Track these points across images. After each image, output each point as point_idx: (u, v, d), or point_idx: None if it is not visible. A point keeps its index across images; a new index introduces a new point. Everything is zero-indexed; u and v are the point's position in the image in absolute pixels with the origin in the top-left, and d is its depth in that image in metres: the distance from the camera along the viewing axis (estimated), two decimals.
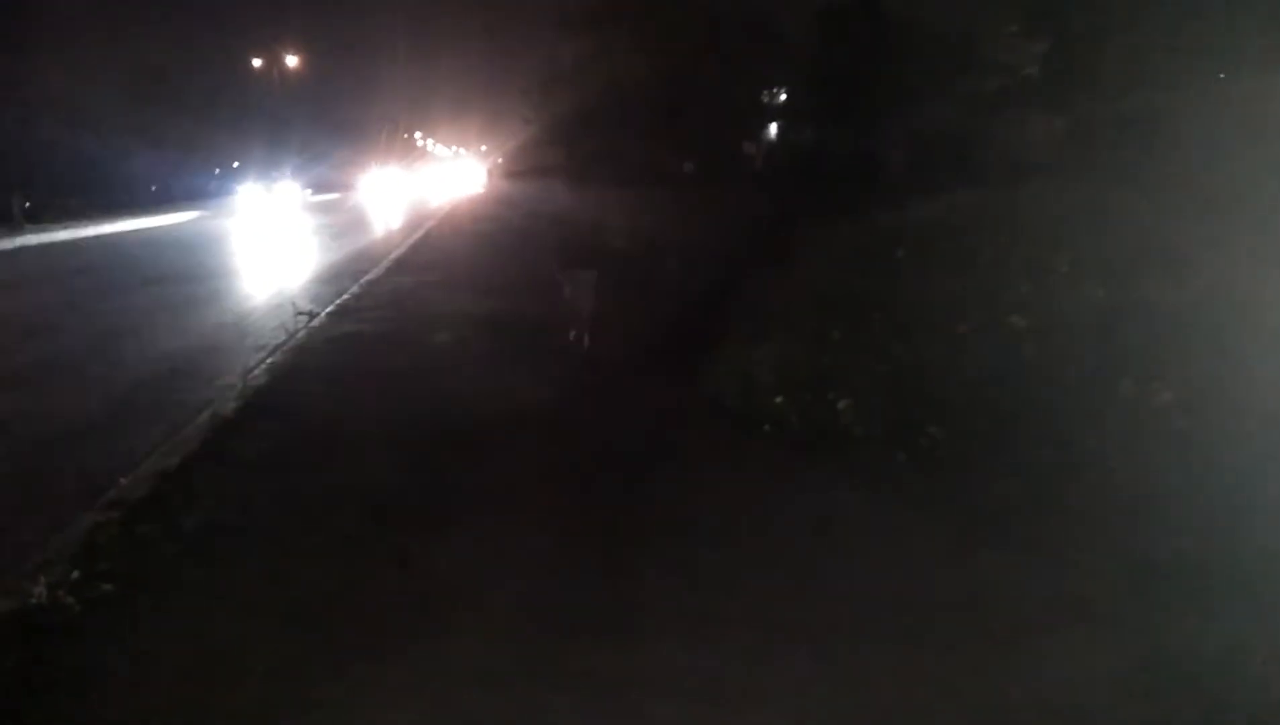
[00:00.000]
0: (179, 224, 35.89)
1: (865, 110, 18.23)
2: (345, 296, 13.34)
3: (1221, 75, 12.15)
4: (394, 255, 19.21)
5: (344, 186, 61.02)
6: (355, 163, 63.60)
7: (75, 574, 4.45)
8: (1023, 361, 5.81)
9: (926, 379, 6.03)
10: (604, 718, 3.28)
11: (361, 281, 15.01)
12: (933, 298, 6.75)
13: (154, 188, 52.33)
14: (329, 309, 12.37)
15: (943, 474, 5.29)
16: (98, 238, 29.63)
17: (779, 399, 6.54)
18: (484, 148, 48.29)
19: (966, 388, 5.80)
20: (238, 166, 57.79)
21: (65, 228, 33.16)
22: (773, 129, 27.97)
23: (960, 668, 3.51)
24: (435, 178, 56.29)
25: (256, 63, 59.82)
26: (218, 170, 57.79)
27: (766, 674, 3.52)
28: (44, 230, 32.38)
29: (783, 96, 27.08)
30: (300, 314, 11.47)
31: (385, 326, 10.85)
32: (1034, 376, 5.64)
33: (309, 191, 53.87)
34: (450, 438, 6.50)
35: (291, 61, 60.89)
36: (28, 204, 37.48)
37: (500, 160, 44.15)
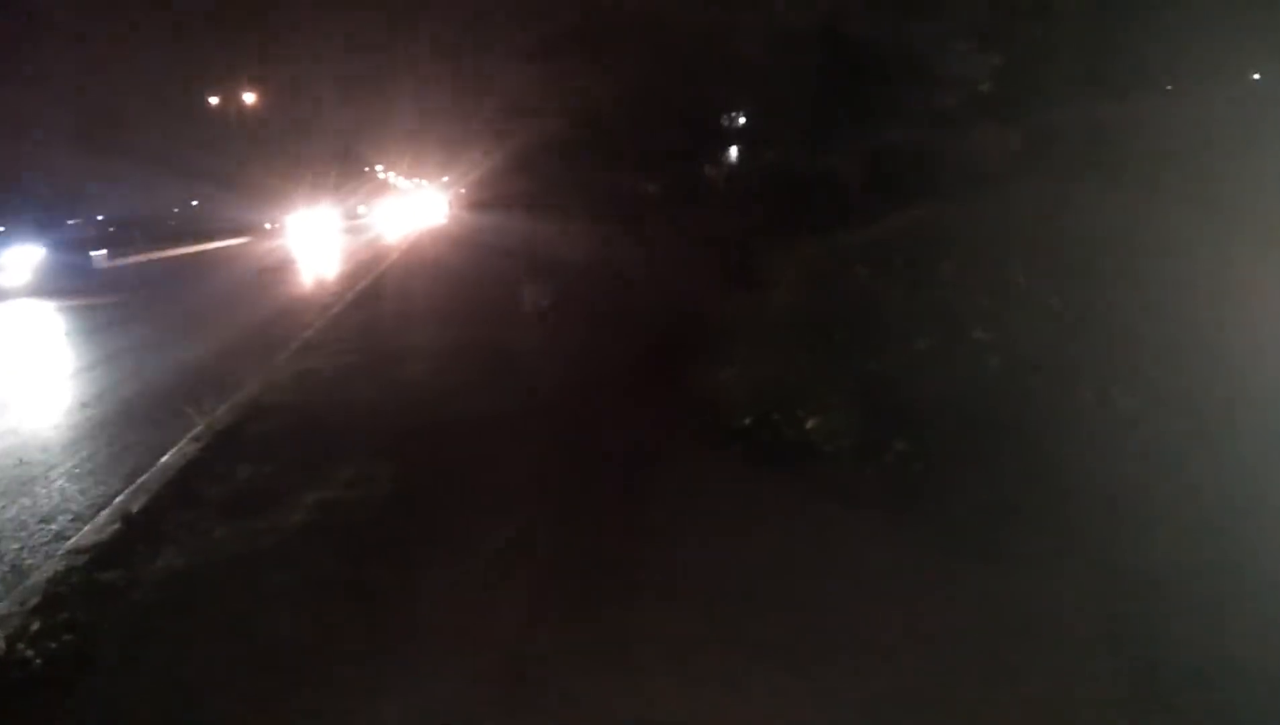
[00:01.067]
0: None
1: (824, 130, 18.37)
2: None
3: (1169, 87, 12.39)
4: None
5: (255, 230, 52.60)
6: (279, 200, 54.64)
7: (35, 625, 4.38)
8: (987, 374, 5.87)
9: (892, 395, 6.08)
10: None
11: None
12: (896, 314, 6.81)
13: None
14: None
15: (910, 488, 5.34)
16: None
17: (747, 419, 6.57)
18: (445, 179, 47.69)
19: (932, 402, 5.85)
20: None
21: None
22: (734, 152, 28.13)
23: (930, 682, 3.53)
24: (395, 211, 53.10)
25: (214, 100, 58.76)
26: None
27: (732, 688, 3.54)
28: None
29: (742, 120, 27.25)
30: None
31: None
32: (998, 388, 5.70)
33: (103, 253, 34.87)
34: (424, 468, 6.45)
35: (248, 98, 59.60)
36: None
37: (462, 191, 43.87)
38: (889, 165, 15.10)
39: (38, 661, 4.06)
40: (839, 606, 4.15)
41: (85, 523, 6.09)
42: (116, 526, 5.72)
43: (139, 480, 6.83)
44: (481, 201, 35.71)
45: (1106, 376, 5.37)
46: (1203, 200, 6.56)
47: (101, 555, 5.26)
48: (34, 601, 4.67)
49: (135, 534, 5.56)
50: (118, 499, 6.47)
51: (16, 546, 5.88)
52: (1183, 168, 7.56)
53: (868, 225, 8.99)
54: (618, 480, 6.08)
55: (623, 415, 7.60)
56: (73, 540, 5.68)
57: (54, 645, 4.17)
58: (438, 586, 4.59)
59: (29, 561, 5.57)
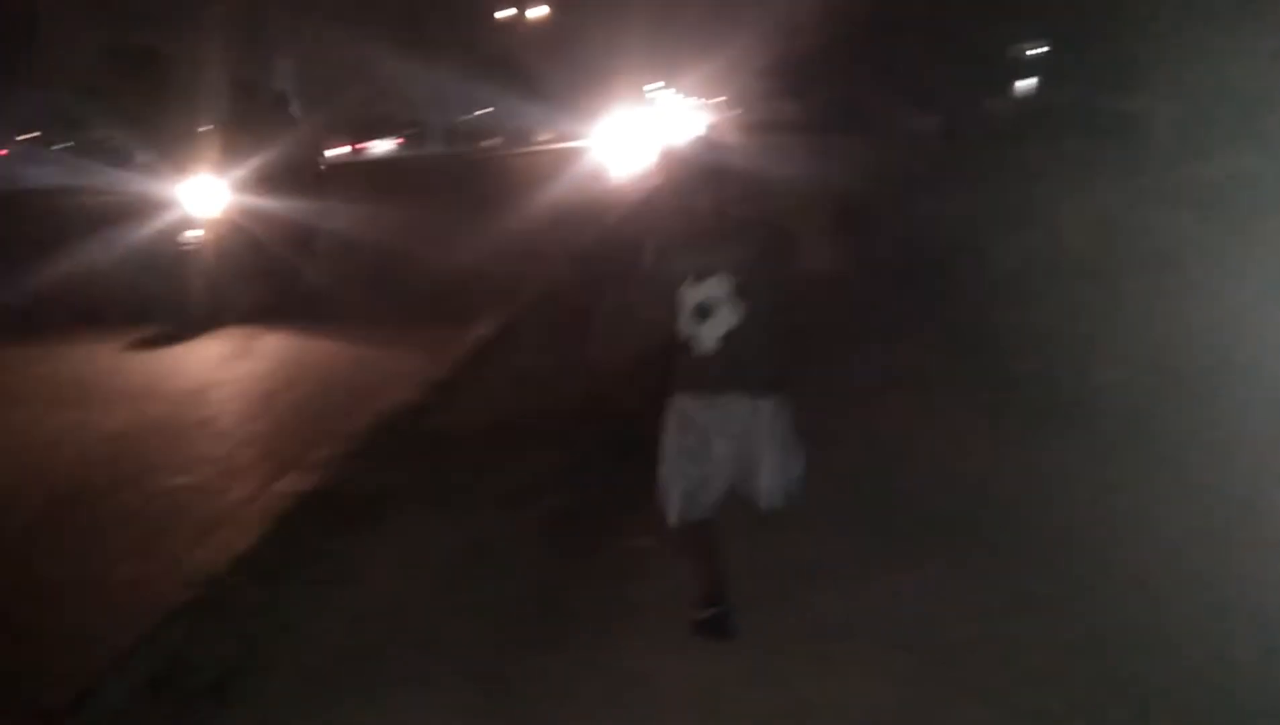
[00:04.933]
0: None
1: (1131, 67, 17.07)
2: None
3: None
4: None
5: None
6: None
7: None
8: None
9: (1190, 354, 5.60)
10: None
11: None
12: (1194, 264, 6.24)
13: None
14: None
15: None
16: None
17: (1026, 367, 6.23)
18: (723, 98, 46.67)
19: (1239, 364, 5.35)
20: None
21: None
22: (1024, 84, 26.68)
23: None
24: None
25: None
26: None
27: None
28: None
29: (1030, 52, 25.74)
30: None
31: None
32: None
33: None
34: None
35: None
36: None
37: (737, 111, 42.73)
38: (1205, 107, 13.85)
39: None
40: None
41: None
42: None
43: None
44: (754, 125, 35.17)
45: None
46: None
47: None
48: None
49: None
50: None
51: None
52: None
53: (1179, 169, 8.27)
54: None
55: (890, 352, 7.18)
56: None
57: None
58: None
59: None
